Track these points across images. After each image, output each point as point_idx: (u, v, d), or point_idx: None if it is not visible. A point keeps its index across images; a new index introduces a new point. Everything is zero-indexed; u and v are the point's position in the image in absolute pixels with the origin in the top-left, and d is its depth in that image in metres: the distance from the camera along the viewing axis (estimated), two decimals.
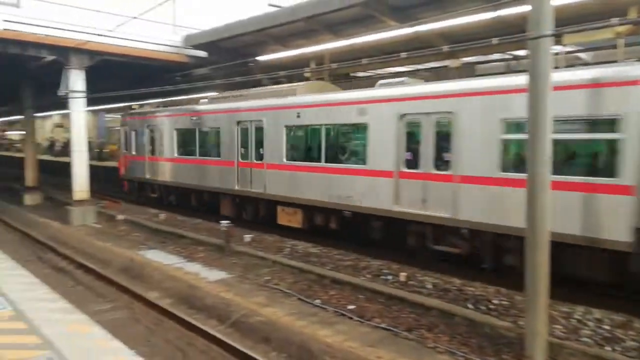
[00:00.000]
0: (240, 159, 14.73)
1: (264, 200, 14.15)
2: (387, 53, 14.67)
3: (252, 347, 7.29)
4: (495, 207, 8.98)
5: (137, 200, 20.37)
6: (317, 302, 9.04)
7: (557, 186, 7.28)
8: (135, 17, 11.36)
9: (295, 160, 13.10)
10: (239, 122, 14.72)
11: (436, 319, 8.04)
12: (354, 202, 11.43)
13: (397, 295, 8.87)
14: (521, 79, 7.62)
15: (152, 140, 18.95)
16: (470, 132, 9.35)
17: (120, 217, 17.13)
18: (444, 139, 9.86)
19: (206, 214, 16.36)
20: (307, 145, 13.38)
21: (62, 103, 18.21)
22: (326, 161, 12.18)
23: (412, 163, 10.35)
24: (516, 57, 12.50)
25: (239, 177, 14.74)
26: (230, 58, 17.25)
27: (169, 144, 17.95)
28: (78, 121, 17.30)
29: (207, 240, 13.47)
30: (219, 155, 15.61)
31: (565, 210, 7.93)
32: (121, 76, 20.63)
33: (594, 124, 8.03)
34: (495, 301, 8.39)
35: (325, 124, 12.22)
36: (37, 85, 21.92)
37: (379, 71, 18.18)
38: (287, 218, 13.51)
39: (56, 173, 28.41)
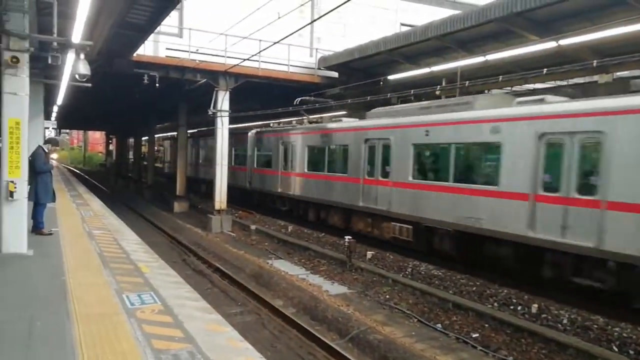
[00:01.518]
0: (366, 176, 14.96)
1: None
2: (524, 69, 13.88)
3: None
4: None
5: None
6: (439, 326, 8.78)
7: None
8: (276, 42, 12.18)
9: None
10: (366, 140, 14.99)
11: (573, 358, 7.32)
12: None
13: (528, 328, 8.24)
14: None
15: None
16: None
17: (253, 227, 18.31)
18: None
19: (330, 228, 16.79)
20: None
21: (209, 121, 20.16)
22: None
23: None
24: None
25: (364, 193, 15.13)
26: (359, 78, 17.66)
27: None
28: (222, 138, 18.97)
29: (330, 254, 13.82)
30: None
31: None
32: (256, 97, 22.24)
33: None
34: None
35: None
36: (189, 104, 24.57)
37: (516, 88, 17.25)
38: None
39: (200, 184, 31.18)
